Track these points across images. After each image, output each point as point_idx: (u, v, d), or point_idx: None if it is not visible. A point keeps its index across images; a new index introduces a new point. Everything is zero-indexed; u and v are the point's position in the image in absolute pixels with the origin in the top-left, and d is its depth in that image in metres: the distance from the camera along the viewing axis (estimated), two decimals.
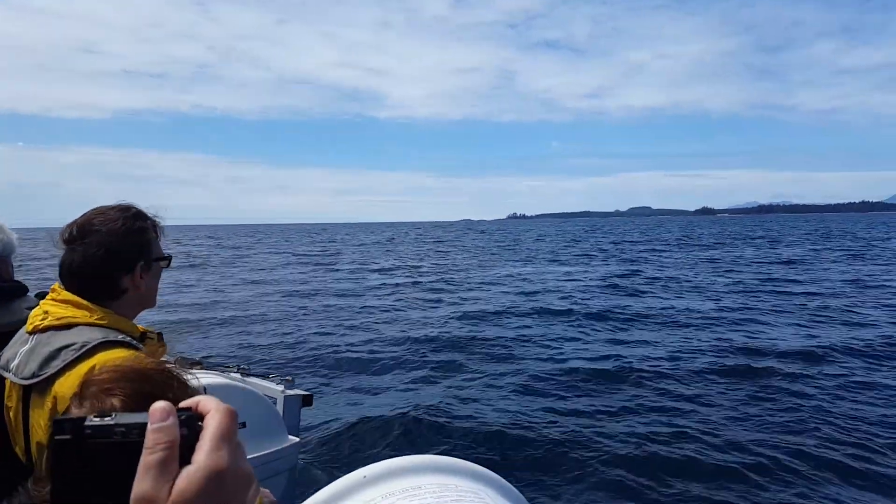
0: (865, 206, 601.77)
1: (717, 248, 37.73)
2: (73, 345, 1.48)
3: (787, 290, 16.99)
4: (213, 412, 0.58)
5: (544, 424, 6.34)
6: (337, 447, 5.57)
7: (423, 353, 9.83)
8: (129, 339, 1.58)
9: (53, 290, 1.62)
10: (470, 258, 33.76)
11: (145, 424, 0.55)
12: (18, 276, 2.13)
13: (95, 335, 1.52)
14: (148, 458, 0.53)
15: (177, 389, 0.78)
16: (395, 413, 6.48)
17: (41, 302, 1.62)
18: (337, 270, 26.71)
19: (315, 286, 20.35)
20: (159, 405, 0.56)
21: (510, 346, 10.23)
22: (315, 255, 37.87)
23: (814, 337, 10.56)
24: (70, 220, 1.64)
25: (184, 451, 0.55)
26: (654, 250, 37.64)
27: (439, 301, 16.41)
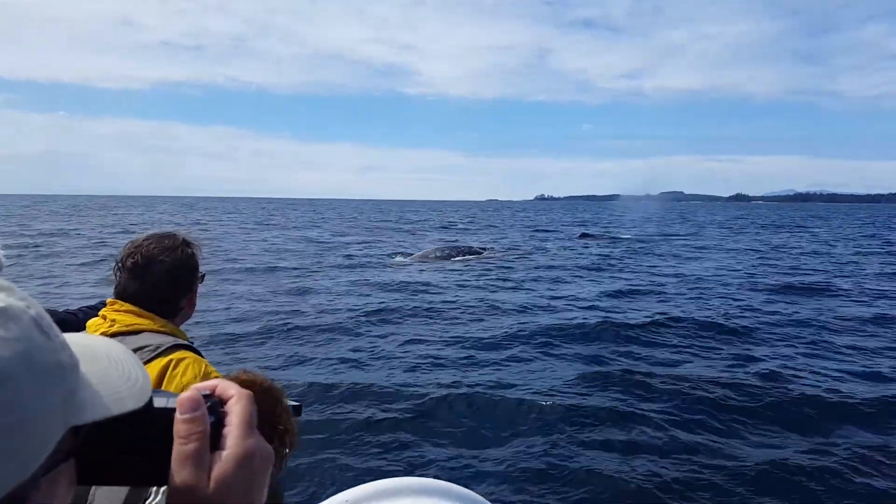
0: None
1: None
2: (147, 346, 1.69)
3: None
4: (237, 398, 0.60)
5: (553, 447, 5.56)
6: (328, 456, 5.42)
7: (432, 358, 8.50)
8: (192, 344, 1.83)
9: (112, 303, 1.83)
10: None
11: (172, 410, 0.56)
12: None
13: (166, 339, 1.75)
14: (184, 448, 0.55)
15: (282, 411, 0.79)
16: (388, 416, 6.21)
17: (101, 312, 1.82)
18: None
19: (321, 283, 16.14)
20: (188, 395, 0.56)
21: (525, 354, 8.62)
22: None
23: None
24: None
25: (212, 436, 0.57)
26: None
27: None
